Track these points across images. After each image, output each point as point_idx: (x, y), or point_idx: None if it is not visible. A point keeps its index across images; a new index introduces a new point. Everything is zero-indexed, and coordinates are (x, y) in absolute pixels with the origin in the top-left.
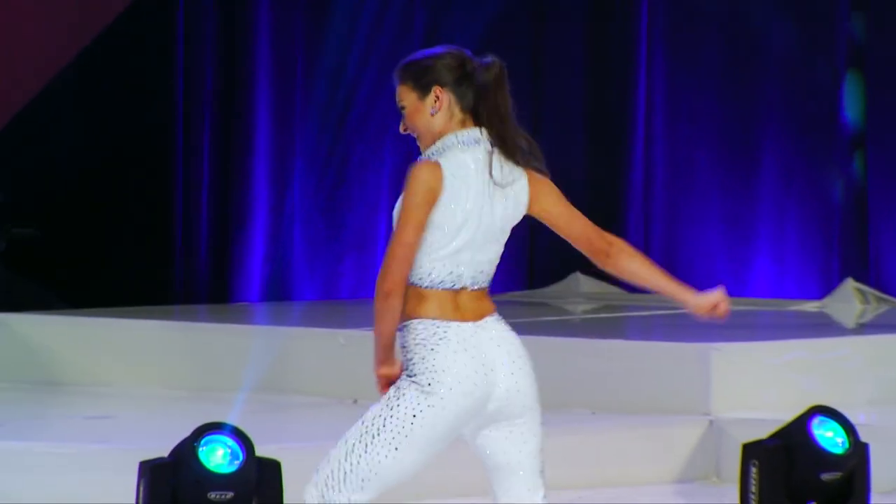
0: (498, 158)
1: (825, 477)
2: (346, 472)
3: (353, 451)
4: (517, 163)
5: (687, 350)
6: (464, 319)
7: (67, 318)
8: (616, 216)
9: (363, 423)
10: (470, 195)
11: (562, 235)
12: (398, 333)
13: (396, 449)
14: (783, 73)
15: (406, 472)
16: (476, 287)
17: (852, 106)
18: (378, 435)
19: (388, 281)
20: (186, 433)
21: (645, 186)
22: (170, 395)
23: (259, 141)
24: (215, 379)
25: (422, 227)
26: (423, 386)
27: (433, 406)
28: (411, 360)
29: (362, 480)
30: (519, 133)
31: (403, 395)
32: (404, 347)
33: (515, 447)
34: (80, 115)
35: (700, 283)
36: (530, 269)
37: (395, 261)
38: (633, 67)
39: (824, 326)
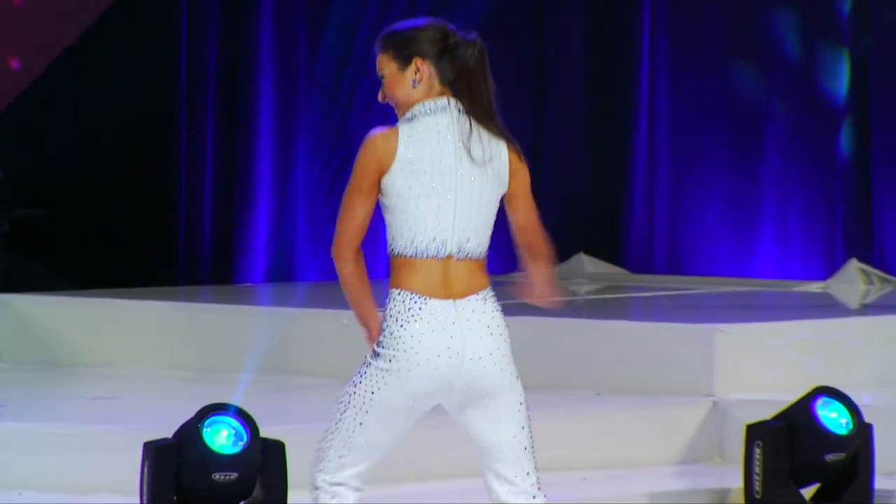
0: (472, 124)
1: (829, 458)
2: (324, 451)
3: (328, 429)
4: (496, 134)
5: (690, 331)
6: (445, 296)
7: (71, 299)
8: (619, 199)
9: (338, 400)
10: (438, 157)
11: (511, 220)
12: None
13: (361, 424)
14: (785, 53)
15: (377, 446)
16: (463, 256)
17: (855, 85)
18: (345, 410)
19: (334, 247)
20: (190, 414)
21: (648, 169)
22: (174, 375)
23: (263, 122)
24: (219, 360)
25: (365, 192)
26: (385, 361)
27: (389, 384)
28: (383, 331)
29: (339, 458)
30: (495, 113)
31: (366, 369)
32: (382, 316)
33: (492, 428)
34: (84, 95)
35: (704, 265)
36: None
37: (338, 224)
38: (635, 48)
39: (828, 307)
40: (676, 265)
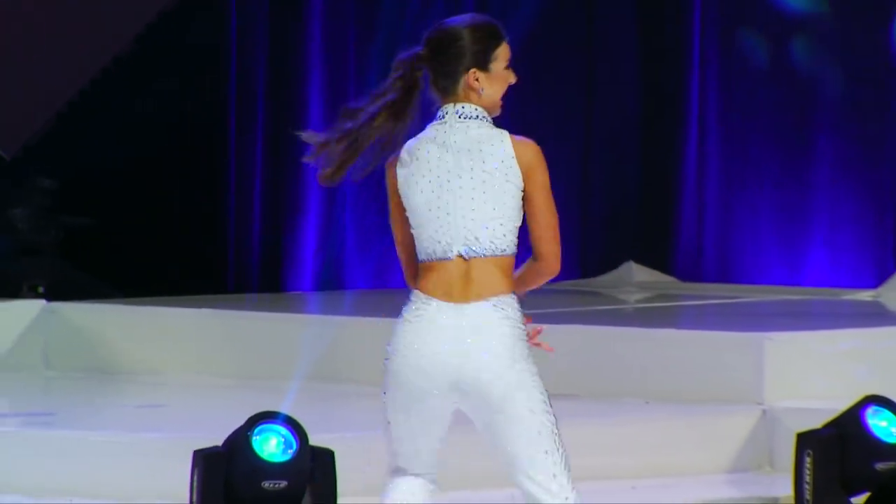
0: (457, 118)
1: (879, 466)
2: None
3: None
4: (490, 130)
5: (740, 339)
6: (452, 299)
7: (120, 307)
8: (669, 207)
9: None
10: (431, 164)
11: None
12: None
13: (389, 422)
14: (838, 60)
15: (405, 442)
16: (473, 255)
17: None
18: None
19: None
20: (240, 422)
21: (698, 177)
22: (223, 384)
23: (311, 129)
24: (268, 368)
25: (394, 215)
26: (385, 360)
27: (386, 383)
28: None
29: (392, 455)
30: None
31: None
32: None
33: (503, 438)
34: (133, 104)
35: (754, 274)
36: (582, 258)
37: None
38: (685, 57)
39: (878, 315)
40: (726, 273)
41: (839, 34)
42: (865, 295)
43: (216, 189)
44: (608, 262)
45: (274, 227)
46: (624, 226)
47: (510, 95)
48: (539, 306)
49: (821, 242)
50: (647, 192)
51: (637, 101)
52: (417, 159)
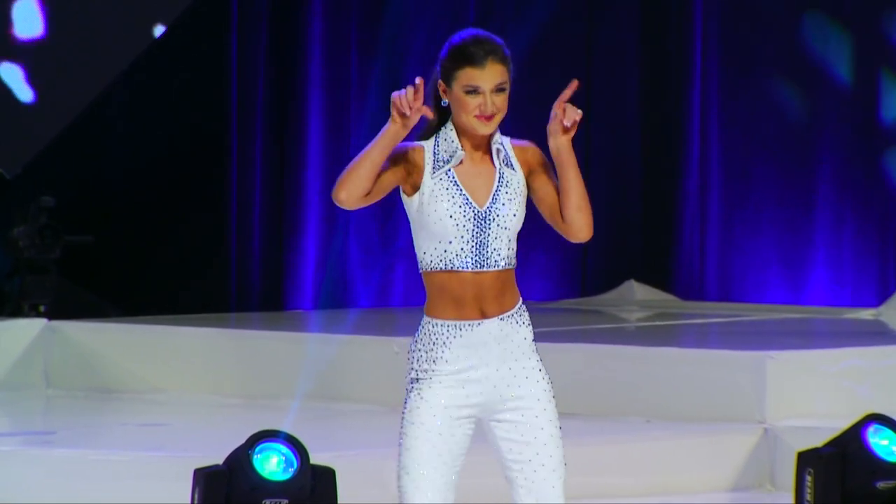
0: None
1: (880, 485)
2: None
3: None
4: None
5: (742, 358)
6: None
7: (122, 326)
8: (670, 225)
9: None
10: None
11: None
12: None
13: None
14: (839, 78)
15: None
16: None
17: None
18: None
19: None
20: (241, 441)
21: (699, 195)
22: (224, 402)
23: (312, 148)
24: (269, 386)
25: None
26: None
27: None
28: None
29: None
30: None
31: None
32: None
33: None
34: (133, 123)
35: (755, 292)
36: (583, 277)
37: None
38: (686, 72)
39: (880, 334)
40: (727, 292)
41: (840, 51)
42: (867, 314)
43: (218, 207)
44: (610, 281)
45: (275, 245)
46: (625, 244)
47: (510, 111)
48: (541, 325)
49: (822, 261)
50: (648, 211)
51: (638, 119)
52: None
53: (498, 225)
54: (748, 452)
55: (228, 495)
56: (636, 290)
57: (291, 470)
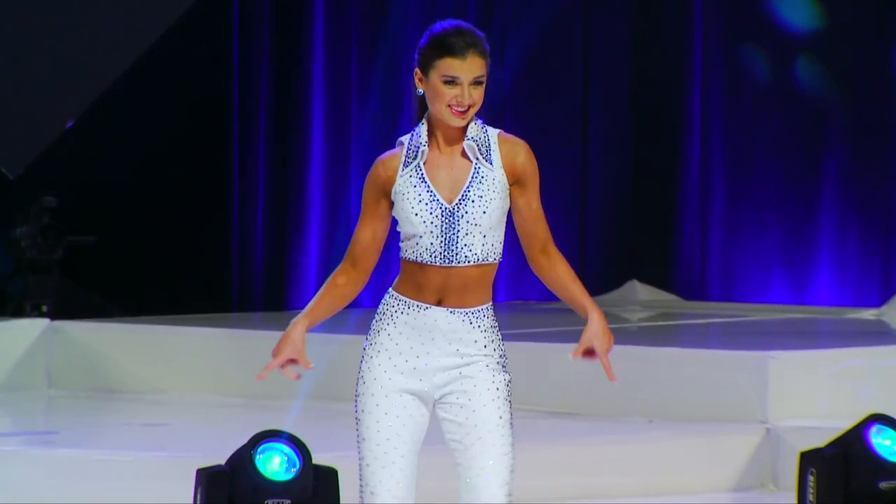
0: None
1: (883, 485)
2: None
3: None
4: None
5: (744, 358)
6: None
7: (123, 326)
8: (672, 226)
9: None
10: None
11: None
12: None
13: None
14: (843, 78)
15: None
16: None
17: None
18: None
19: None
20: (243, 441)
21: (702, 195)
22: (226, 402)
23: (314, 148)
24: (271, 387)
25: None
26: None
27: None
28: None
29: None
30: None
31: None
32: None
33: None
34: (136, 123)
35: (758, 293)
36: (585, 277)
37: None
38: (688, 71)
39: (883, 335)
40: (730, 292)
41: (843, 52)
42: (869, 314)
43: (220, 207)
44: (611, 281)
45: (277, 245)
46: (627, 244)
47: (509, 109)
48: (542, 325)
49: (825, 261)
50: (650, 211)
51: (635, 118)
52: None
53: (468, 222)
54: (750, 453)
55: (231, 495)
56: (638, 291)
57: (294, 470)
